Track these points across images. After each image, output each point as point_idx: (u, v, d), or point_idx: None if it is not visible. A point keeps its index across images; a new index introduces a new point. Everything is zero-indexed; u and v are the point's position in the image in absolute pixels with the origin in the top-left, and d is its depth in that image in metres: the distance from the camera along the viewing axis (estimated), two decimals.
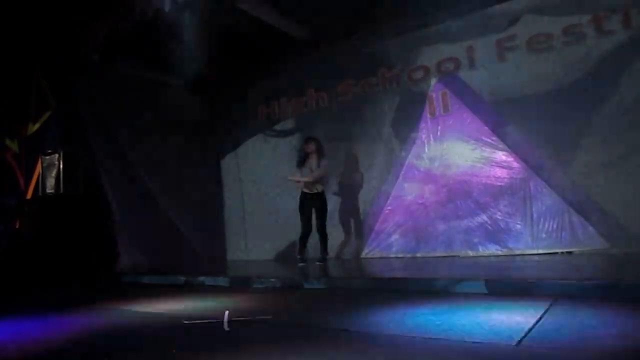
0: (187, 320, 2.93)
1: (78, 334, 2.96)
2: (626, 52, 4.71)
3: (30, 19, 5.52)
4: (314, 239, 5.82)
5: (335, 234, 6.52)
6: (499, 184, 5.40)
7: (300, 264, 5.62)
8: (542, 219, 5.11)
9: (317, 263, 5.61)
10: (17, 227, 5.84)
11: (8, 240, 5.66)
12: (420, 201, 5.92)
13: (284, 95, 7.31)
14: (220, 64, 7.07)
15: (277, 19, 6.00)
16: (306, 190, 5.72)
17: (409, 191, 6.02)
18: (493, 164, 5.45)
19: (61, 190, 5.97)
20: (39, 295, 4.99)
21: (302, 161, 5.82)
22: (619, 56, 4.74)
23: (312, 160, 5.75)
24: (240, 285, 4.78)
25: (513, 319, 2.47)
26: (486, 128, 5.51)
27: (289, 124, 7.32)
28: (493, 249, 5.36)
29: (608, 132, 4.78)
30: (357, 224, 6.44)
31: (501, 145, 5.41)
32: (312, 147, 5.78)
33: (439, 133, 5.86)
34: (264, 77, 7.42)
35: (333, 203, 6.57)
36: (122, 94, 6.62)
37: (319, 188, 5.76)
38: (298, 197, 5.79)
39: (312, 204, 5.73)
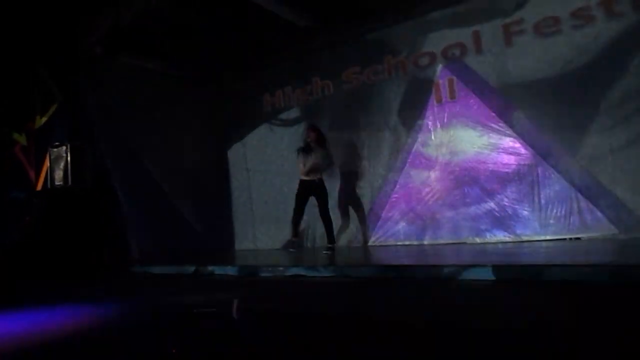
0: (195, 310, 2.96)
1: (90, 325, 3.01)
2: (636, 35, 4.63)
3: (33, 12, 5.52)
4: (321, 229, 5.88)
5: (342, 222, 6.56)
6: (506, 170, 5.38)
7: (293, 239, 5.85)
8: (549, 205, 5.10)
9: (324, 252, 5.64)
10: (27, 219, 5.91)
11: (19, 233, 5.73)
12: (427, 188, 5.92)
13: (289, 84, 7.28)
14: (225, 54, 7.05)
15: (280, 6, 5.95)
16: (305, 178, 5.80)
17: (415, 178, 6.01)
18: (500, 150, 5.42)
19: (69, 183, 6.01)
20: (50, 287, 5.06)
21: (305, 149, 5.83)
22: (629, 39, 4.66)
23: (313, 150, 5.79)
24: (248, 274, 4.83)
25: None
26: (493, 114, 5.48)
27: (294, 113, 7.31)
28: (500, 236, 5.37)
29: (617, 117, 4.73)
30: (363, 211, 6.45)
31: (508, 131, 5.37)
32: (312, 135, 5.83)
33: (445, 120, 5.83)
34: (268, 66, 7.39)
35: (340, 191, 6.59)
36: (127, 85, 6.63)
37: (317, 176, 5.80)
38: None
39: (309, 192, 5.84)
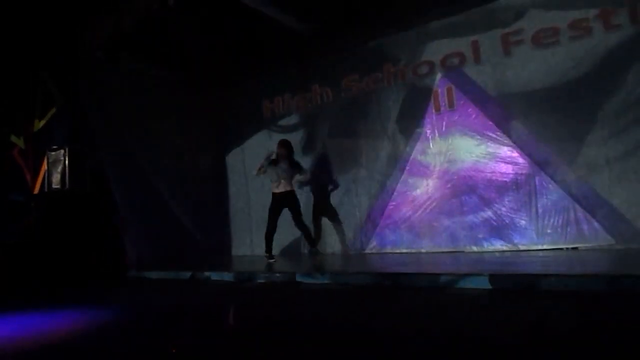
0: None
1: (86, 329, 2.99)
2: (633, 47, 4.66)
3: (35, 16, 5.54)
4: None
5: (339, 230, 6.56)
6: (504, 179, 5.39)
7: (271, 261, 5.95)
8: (547, 215, 5.10)
9: (315, 254, 5.89)
10: (24, 222, 5.89)
11: (17, 235, 5.71)
12: (424, 196, 5.92)
13: (288, 91, 7.30)
14: (225, 60, 7.08)
15: (280, 13, 5.99)
16: (277, 191, 6.02)
17: (413, 186, 6.02)
18: (498, 159, 5.43)
19: (67, 186, 6.00)
20: (47, 290, 5.04)
21: (274, 161, 6.02)
22: (626, 51, 4.69)
23: (282, 164, 6.01)
24: (245, 280, 4.82)
25: None
26: (491, 123, 5.49)
27: (293, 120, 7.32)
28: (498, 245, 5.36)
29: (614, 127, 4.75)
30: (361, 219, 6.45)
31: (506, 141, 5.39)
32: (282, 151, 6.02)
33: (443, 128, 5.84)
34: (268, 73, 7.42)
35: (338, 198, 6.60)
36: (127, 90, 6.64)
37: (287, 188, 6.02)
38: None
39: (282, 204, 6.03)
